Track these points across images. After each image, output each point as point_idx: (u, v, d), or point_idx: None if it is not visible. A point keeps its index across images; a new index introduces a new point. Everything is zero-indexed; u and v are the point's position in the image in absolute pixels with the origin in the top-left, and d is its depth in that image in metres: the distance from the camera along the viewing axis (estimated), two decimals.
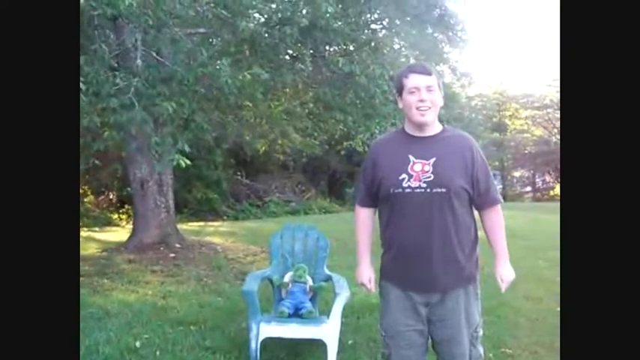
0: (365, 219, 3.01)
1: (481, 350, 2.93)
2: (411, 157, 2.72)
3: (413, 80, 2.73)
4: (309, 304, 4.52)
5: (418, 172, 2.69)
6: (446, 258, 2.73)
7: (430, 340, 2.92)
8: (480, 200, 2.82)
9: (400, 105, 2.84)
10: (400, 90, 2.80)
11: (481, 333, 2.92)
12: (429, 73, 2.75)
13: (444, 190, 2.67)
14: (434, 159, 2.70)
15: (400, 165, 2.73)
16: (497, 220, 2.90)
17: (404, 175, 2.70)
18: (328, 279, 4.80)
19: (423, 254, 2.73)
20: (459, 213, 2.73)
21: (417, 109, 2.71)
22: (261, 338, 4.07)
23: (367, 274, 3.01)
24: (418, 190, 2.68)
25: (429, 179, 2.68)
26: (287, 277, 4.73)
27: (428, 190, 2.67)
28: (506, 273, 2.86)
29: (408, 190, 2.69)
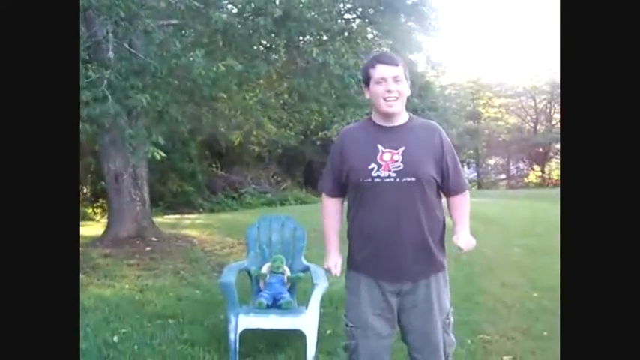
0: (333, 209, 3.01)
1: (453, 337, 2.94)
2: (380, 147, 2.72)
3: (380, 71, 2.72)
4: (287, 295, 4.52)
5: (387, 161, 2.70)
6: (417, 246, 2.75)
7: (400, 331, 2.93)
8: (449, 187, 2.84)
9: (367, 95, 2.84)
10: (367, 80, 2.79)
11: (452, 320, 2.93)
12: (396, 64, 2.74)
13: (413, 179, 2.69)
14: (403, 148, 2.71)
15: (369, 155, 2.73)
16: (465, 203, 2.92)
17: (373, 165, 2.70)
18: (306, 269, 4.80)
19: (394, 244, 2.74)
20: (429, 201, 2.75)
21: (385, 99, 2.71)
22: (239, 330, 4.05)
23: (334, 259, 3.01)
24: (388, 180, 2.69)
25: (399, 169, 2.68)
26: (264, 269, 4.72)
27: (397, 179, 2.68)
28: (464, 236, 2.82)
29: (377, 180, 2.70)
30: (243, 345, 4.07)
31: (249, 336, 4.20)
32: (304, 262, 4.91)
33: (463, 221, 2.90)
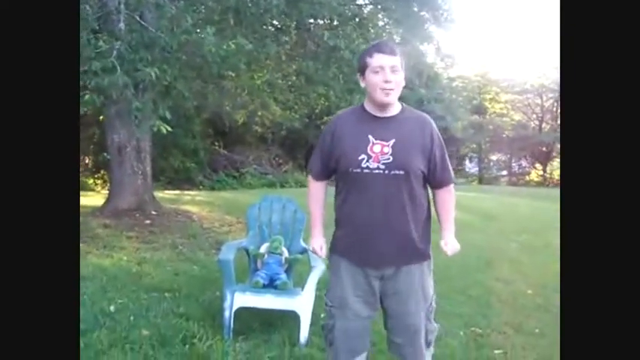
0: (319, 192, 3.04)
1: (436, 324, 3.00)
2: (371, 138, 2.74)
3: (377, 60, 2.71)
4: (284, 276, 4.55)
5: (377, 153, 2.72)
6: (402, 237, 2.80)
7: (383, 315, 3.00)
8: (435, 180, 2.89)
9: (362, 84, 2.84)
10: (363, 69, 2.79)
11: (435, 306, 2.98)
12: (395, 54, 2.73)
13: (402, 172, 2.72)
14: (393, 140, 2.73)
15: (360, 145, 2.75)
16: (450, 199, 2.98)
17: (363, 156, 2.73)
18: (304, 252, 4.83)
19: (379, 233, 2.79)
20: (416, 194, 2.80)
21: (382, 89, 2.71)
22: (235, 307, 4.10)
23: (319, 241, 3.05)
24: (377, 172, 2.72)
25: (388, 161, 2.71)
26: (263, 248, 4.75)
27: (386, 171, 2.71)
28: (451, 242, 2.92)
29: (366, 171, 2.72)
30: (237, 323, 4.11)
31: (244, 314, 4.24)
32: (303, 244, 4.93)
33: (449, 222, 2.97)
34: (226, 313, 4.13)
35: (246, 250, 4.86)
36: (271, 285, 4.44)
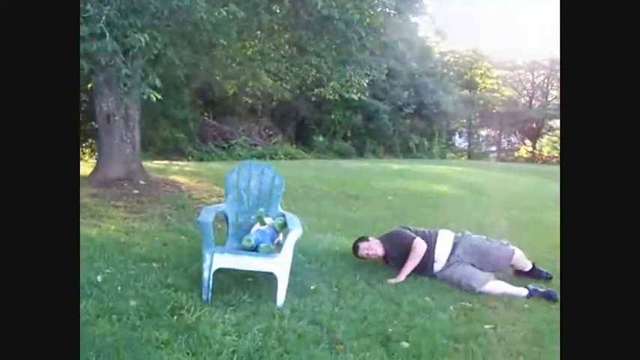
0: None
1: None
2: None
3: None
4: (269, 243, 4.60)
5: None
6: None
7: None
8: None
9: None
10: None
11: None
12: None
13: None
14: None
15: None
16: None
17: None
18: (281, 217, 4.94)
19: None
20: None
21: None
22: (214, 268, 4.15)
23: None
24: None
25: None
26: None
27: None
28: None
29: None
30: (222, 291, 4.16)
31: (228, 282, 4.29)
32: (280, 209, 5.06)
33: None
34: (205, 274, 4.16)
35: (225, 215, 4.98)
36: (255, 250, 4.49)
